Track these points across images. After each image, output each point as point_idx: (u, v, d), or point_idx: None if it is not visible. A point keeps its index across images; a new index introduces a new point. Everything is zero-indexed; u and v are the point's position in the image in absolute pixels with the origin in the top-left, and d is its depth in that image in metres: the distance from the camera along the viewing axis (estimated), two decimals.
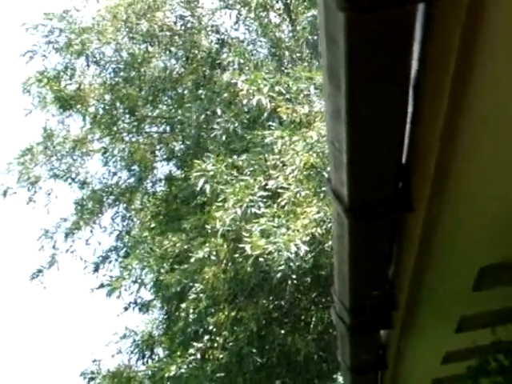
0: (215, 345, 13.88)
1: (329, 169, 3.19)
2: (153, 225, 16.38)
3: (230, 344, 13.67)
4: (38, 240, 17.01)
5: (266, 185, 12.98)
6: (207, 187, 13.10)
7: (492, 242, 2.88)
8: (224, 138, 14.40)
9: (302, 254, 12.08)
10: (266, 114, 13.56)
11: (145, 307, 16.84)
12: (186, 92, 16.45)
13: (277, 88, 13.50)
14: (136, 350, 16.08)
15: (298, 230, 11.98)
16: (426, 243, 2.71)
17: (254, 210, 12.60)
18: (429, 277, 3.05)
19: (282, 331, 14.13)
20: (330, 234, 11.56)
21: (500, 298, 3.47)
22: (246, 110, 14.19)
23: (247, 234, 12.32)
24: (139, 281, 15.89)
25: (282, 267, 11.96)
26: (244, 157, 13.64)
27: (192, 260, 13.35)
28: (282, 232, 12.05)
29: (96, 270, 17.13)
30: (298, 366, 14.16)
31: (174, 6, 16.40)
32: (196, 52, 16.35)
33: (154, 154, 17.35)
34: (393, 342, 3.81)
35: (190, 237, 14.13)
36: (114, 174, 17.32)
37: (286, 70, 15.38)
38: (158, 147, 17.34)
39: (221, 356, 13.67)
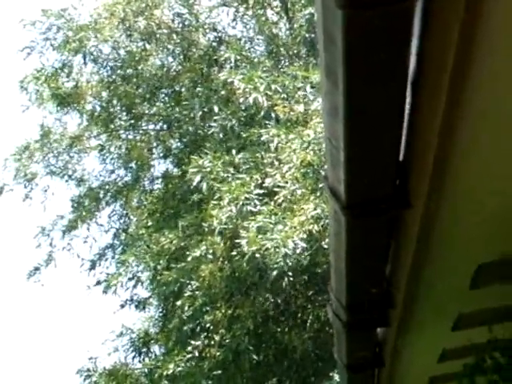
0: (212, 342, 13.88)
1: (325, 166, 3.19)
2: (150, 222, 16.37)
3: (227, 342, 13.67)
4: (35, 238, 17.03)
5: (263, 183, 12.99)
6: (204, 185, 13.11)
7: (490, 238, 2.87)
8: (221, 135, 14.40)
9: (298, 251, 12.09)
10: (262, 112, 13.56)
11: (141, 305, 16.85)
12: (183, 90, 16.43)
13: (273, 86, 13.51)
14: (132, 347, 16.09)
15: (294, 227, 12.00)
16: (423, 240, 2.70)
17: (249, 208, 12.62)
18: (426, 274, 3.04)
19: (279, 329, 14.13)
20: (327, 231, 11.57)
21: (498, 295, 3.46)
22: (243, 107, 14.20)
23: (244, 231, 12.33)
24: (135, 278, 15.91)
25: (278, 264, 11.97)
26: (241, 155, 13.64)
27: (189, 258, 13.35)
28: (278, 229, 12.06)
29: (93, 267, 17.13)
30: (295, 363, 14.17)
31: (172, 4, 16.38)
32: (193, 50, 16.34)
33: (150, 152, 17.35)
34: (390, 339, 3.80)
35: (187, 234, 14.14)
36: (111, 171, 17.32)
37: (282, 69, 15.38)
38: (154, 145, 17.34)
39: (218, 354, 13.66)
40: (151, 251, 14.74)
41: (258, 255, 12.08)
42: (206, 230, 13.30)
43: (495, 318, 3.71)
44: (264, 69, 14.42)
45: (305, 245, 12.20)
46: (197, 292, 13.55)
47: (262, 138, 13.37)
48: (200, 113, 15.08)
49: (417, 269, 2.94)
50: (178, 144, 17.11)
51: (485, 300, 3.49)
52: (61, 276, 19.38)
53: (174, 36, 16.38)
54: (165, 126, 17.20)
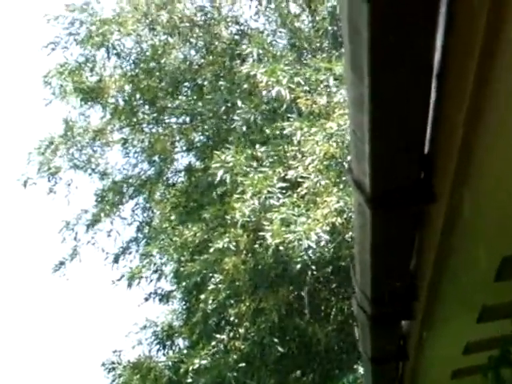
0: (237, 335, 13.92)
1: (349, 159, 3.18)
2: (173, 216, 16.41)
3: (252, 335, 13.70)
4: (60, 232, 17.11)
5: (286, 176, 12.99)
6: (227, 177, 13.12)
7: None
8: (244, 129, 14.41)
9: (322, 244, 12.09)
10: (285, 105, 13.56)
11: (165, 298, 16.92)
12: (205, 83, 16.46)
13: (296, 79, 13.50)
14: (156, 340, 16.15)
15: (317, 220, 12.00)
16: (448, 233, 2.70)
17: (272, 201, 12.62)
18: (451, 267, 3.03)
19: (303, 322, 14.14)
20: (350, 223, 11.56)
21: None
22: (266, 101, 14.19)
23: (267, 223, 12.34)
24: (159, 271, 15.97)
25: (301, 257, 11.97)
26: (263, 148, 13.65)
27: (211, 250, 13.37)
28: (302, 221, 12.07)
29: (116, 261, 17.21)
30: (319, 356, 14.18)
31: None
32: (216, 43, 16.36)
33: (173, 145, 17.39)
34: (414, 332, 3.80)
35: (210, 227, 14.18)
36: (135, 165, 17.40)
37: (305, 61, 15.36)
38: (177, 138, 17.39)
39: (242, 347, 13.70)
40: (174, 244, 14.79)
41: (281, 248, 12.10)
42: (229, 222, 13.32)
43: None
44: (286, 62, 14.41)
45: (328, 237, 12.19)
46: (220, 285, 13.58)
47: (285, 132, 13.37)
48: (223, 106, 15.11)
49: (441, 261, 2.93)
50: (201, 137, 17.15)
51: (509, 292, 3.48)
52: (85, 270, 19.45)
53: (197, 29, 16.41)
54: (187, 120, 17.24)
